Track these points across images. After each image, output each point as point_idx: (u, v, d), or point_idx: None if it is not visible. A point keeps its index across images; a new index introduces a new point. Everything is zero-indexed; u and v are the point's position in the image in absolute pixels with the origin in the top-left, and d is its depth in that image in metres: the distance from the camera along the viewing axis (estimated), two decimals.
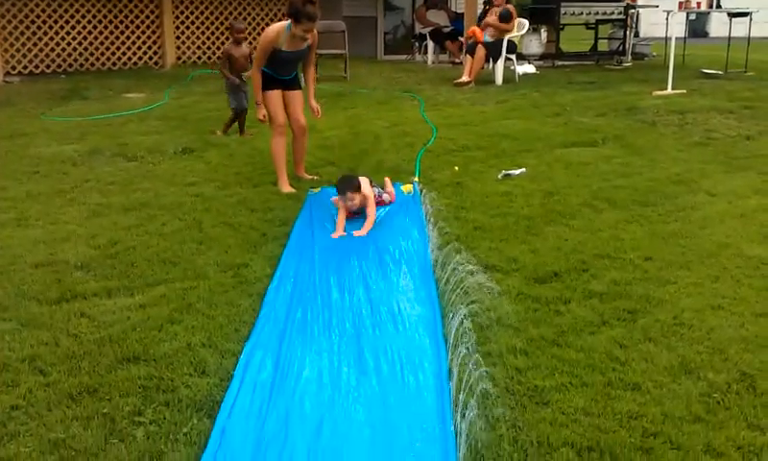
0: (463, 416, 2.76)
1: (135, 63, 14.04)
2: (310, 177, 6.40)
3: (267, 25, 11.47)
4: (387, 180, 5.81)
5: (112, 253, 4.62)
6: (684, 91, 10.42)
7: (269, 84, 5.96)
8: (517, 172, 6.39)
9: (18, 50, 12.94)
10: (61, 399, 2.98)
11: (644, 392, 3.01)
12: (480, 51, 11.78)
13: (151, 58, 14.20)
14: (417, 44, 16.67)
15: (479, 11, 14.24)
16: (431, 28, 15.57)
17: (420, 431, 2.72)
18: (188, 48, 14.51)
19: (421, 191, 5.83)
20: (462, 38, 13.92)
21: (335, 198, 5.16)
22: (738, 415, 2.86)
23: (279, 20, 7.72)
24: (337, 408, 2.90)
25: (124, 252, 4.63)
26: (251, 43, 11.94)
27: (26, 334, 3.54)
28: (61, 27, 13.27)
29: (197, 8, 14.46)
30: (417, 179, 6.24)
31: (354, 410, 2.89)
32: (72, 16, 13.32)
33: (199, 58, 14.60)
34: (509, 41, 12.01)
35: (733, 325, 3.60)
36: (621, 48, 15.22)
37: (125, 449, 2.64)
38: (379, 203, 5.30)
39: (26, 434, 2.75)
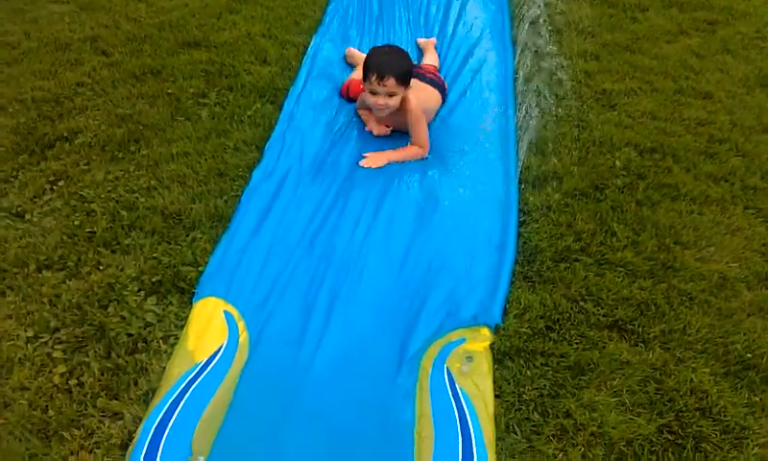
0: (526, 113, 2.73)
1: None
2: None
3: None
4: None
5: None
6: None
7: None
8: None
9: None
10: (126, 78, 3.01)
11: (715, 101, 2.90)
12: None
13: None
14: None
15: None
16: None
17: (479, 127, 2.71)
18: None
19: None
20: None
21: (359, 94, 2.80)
22: None
23: None
24: None
25: None
26: None
27: (85, 17, 3.50)
28: None
29: None
30: None
31: None
32: None
33: None
34: None
35: None
36: None
37: (191, 127, 2.71)
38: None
39: (93, 109, 2.81)
